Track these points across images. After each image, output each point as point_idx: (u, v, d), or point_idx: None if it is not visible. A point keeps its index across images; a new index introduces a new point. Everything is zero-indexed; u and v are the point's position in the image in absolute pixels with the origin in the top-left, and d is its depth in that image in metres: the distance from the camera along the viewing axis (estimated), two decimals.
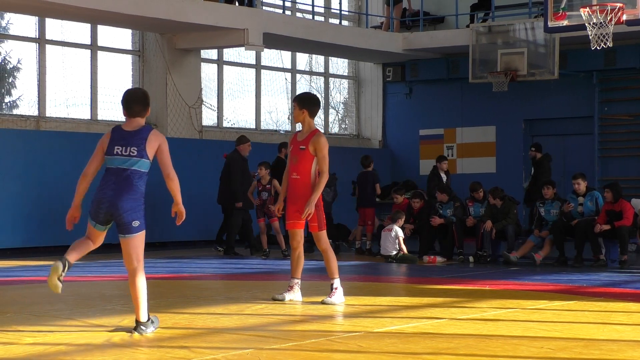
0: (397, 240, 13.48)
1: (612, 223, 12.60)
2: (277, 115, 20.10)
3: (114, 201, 6.40)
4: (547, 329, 6.86)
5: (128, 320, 7.11)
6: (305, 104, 8.30)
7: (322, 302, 8.05)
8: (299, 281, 8.31)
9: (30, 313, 7.52)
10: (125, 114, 6.55)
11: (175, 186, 6.46)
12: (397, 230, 13.53)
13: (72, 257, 6.51)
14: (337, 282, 8.23)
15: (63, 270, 6.39)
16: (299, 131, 8.41)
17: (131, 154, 6.44)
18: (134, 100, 6.52)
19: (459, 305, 8.21)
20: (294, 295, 8.24)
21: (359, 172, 15.53)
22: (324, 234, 8.20)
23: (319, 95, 21.00)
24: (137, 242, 6.41)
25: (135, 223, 6.37)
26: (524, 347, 6.04)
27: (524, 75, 17.55)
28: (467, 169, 19.63)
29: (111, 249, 15.53)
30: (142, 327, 6.36)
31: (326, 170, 8.15)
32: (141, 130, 6.49)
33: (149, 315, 6.43)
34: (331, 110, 21.42)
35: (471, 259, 13.48)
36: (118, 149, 6.46)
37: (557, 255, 12.98)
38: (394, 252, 13.47)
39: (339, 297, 8.17)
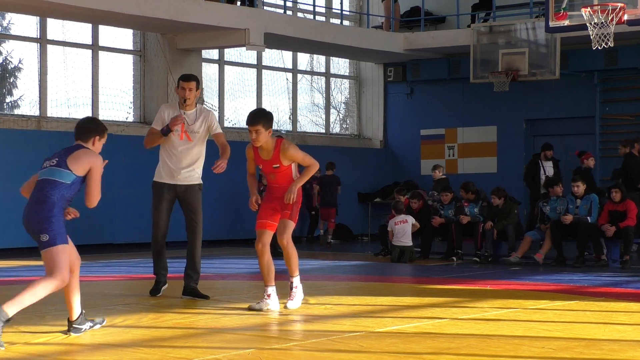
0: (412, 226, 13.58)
1: (616, 223, 12.60)
2: (278, 115, 20.10)
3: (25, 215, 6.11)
4: (548, 329, 6.86)
5: (130, 320, 7.12)
6: (267, 122, 7.39)
7: (285, 308, 7.61)
8: (275, 288, 7.76)
9: (32, 313, 7.51)
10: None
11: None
12: (412, 219, 13.62)
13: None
14: (297, 280, 7.79)
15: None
16: (257, 147, 7.52)
17: (50, 164, 6.18)
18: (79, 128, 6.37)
19: (460, 305, 8.21)
20: (273, 304, 7.66)
21: (321, 175, 17.45)
22: (292, 226, 7.63)
23: (320, 96, 21.04)
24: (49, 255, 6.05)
25: (44, 237, 6.03)
26: (525, 347, 6.04)
27: (525, 75, 17.55)
28: (468, 169, 19.62)
29: (112, 250, 15.55)
30: (74, 325, 6.30)
31: (313, 162, 7.56)
32: (73, 146, 6.27)
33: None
34: (332, 110, 21.42)
35: (455, 259, 13.48)
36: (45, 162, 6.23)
37: (556, 254, 12.98)
38: (410, 244, 13.52)
39: (299, 298, 7.76)
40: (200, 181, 8.64)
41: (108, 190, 15.75)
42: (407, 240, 13.57)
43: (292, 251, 7.70)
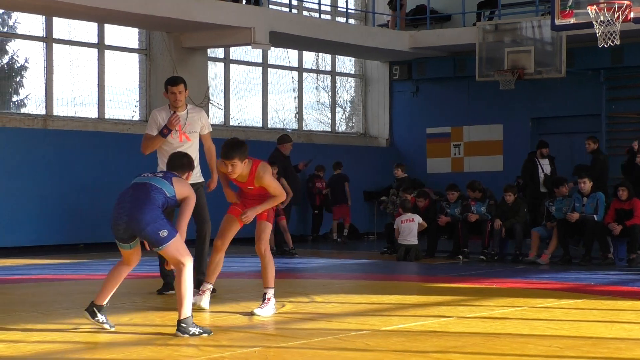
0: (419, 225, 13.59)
1: (623, 222, 12.58)
2: (284, 113, 20.11)
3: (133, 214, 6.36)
4: (554, 328, 6.85)
5: (137, 319, 7.14)
6: (242, 154, 7.09)
7: (252, 313, 7.33)
8: (212, 287, 7.69)
9: (39, 311, 7.53)
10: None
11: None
12: (419, 218, 13.62)
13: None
14: (271, 293, 7.47)
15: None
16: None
17: (157, 175, 6.56)
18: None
19: (466, 303, 8.20)
20: (203, 301, 7.57)
21: (331, 175, 17.93)
22: (270, 228, 7.50)
23: (326, 94, 21.04)
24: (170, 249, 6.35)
25: (164, 233, 6.31)
26: (531, 346, 6.04)
27: (531, 73, 17.52)
28: (474, 168, 19.61)
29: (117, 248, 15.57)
30: (182, 324, 6.28)
31: (281, 194, 7.36)
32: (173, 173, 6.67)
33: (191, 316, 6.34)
34: (338, 109, 21.42)
35: (461, 257, 13.48)
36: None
37: (562, 253, 12.96)
38: (416, 242, 13.52)
39: (270, 308, 7.39)
40: (202, 179, 8.74)
41: (113, 189, 15.84)
42: (412, 239, 13.56)
43: (269, 260, 7.50)
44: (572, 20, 13.50)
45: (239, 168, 7.11)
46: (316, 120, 20.95)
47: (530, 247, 13.26)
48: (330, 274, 10.95)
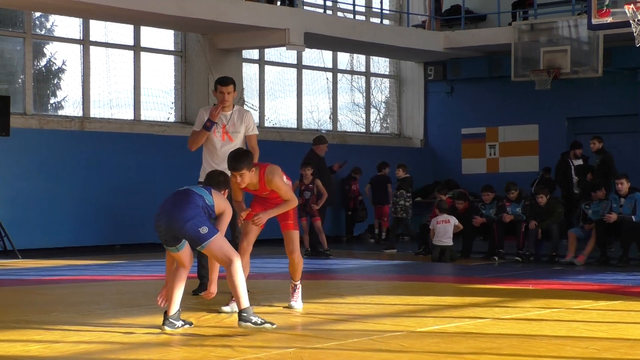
0: (454, 227, 13.55)
1: None
2: (319, 114, 20.13)
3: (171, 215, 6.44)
4: (592, 329, 6.80)
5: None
6: (249, 164, 7.11)
7: (289, 307, 7.68)
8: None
9: (76, 312, 7.60)
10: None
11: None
12: (455, 220, 13.58)
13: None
14: (299, 284, 7.85)
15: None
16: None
17: (199, 186, 6.75)
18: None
19: (502, 305, 8.16)
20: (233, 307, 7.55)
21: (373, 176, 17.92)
22: (298, 237, 7.72)
23: (360, 95, 21.03)
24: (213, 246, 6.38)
25: (204, 229, 6.34)
26: (568, 348, 5.99)
27: (567, 73, 17.40)
28: (510, 168, 19.50)
29: (153, 249, 15.67)
30: (243, 314, 6.31)
31: (292, 198, 7.44)
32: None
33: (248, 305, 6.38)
34: (372, 110, 21.40)
35: (496, 258, 13.41)
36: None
37: (599, 254, 12.85)
38: (451, 243, 13.48)
39: (300, 298, 7.79)
40: None
41: (149, 190, 16.01)
42: (447, 240, 13.51)
43: (299, 262, 7.76)
44: (609, 19, 13.38)
45: (248, 177, 7.16)
46: (351, 121, 20.94)
47: (565, 248, 13.17)
48: (365, 275, 10.94)
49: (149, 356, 5.71)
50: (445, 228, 13.54)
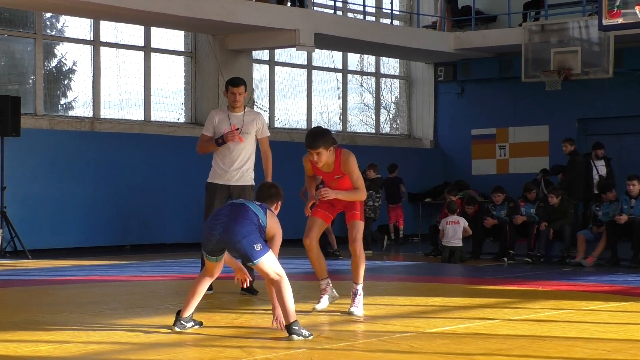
0: (463, 229, 13.54)
1: None
2: (329, 115, 20.13)
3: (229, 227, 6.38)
4: (602, 331, 6.78)
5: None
6: (326, 142, 7.12)
7: (349, 313, 7.42)
8: (329, 279, 7.68)
9: (86, 312, 7.62)
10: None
11: None
12: (465, 222, 13.56)
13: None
14: (360, 288, 7.56)
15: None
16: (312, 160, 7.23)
17: (255, 203, 6.63)
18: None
19: (511, 306, 8.14)
20: (331, 296, 7.68)
21: (385, 178, 17.70)
22: (362, 227, 7.50)
23: (370, 96, 21.02)
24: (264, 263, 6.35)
25: (258, 246, 6.30)
26: (578, 349, 5.98)
27: (578, 74, 17.35)
28: (520, 169, 19.46)
29: (164, 249, 15.68)
30: (294, 327, 6.26)
31: (362, 188, 7.37)
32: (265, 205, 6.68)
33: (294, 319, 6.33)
34: (382, 110, 21.39)
35: (506, 259, 13.38)
36: None
37: (609, 255, 12.82)
38: (460, 244, 13.46)
39: (361, 305, 7.51)
40: (252, 182, 8.83)
41: (159, 191, 16.04)
42: (457, 241, 13.50)
43: (362, 259, 7.53)
44: (620, 20, 13.34)
45: (325, 156, 7.15)
46: (360, 122, 20.94)
47: (577, 249, 13.14)
48: (374, 276, 10.92)
49: (158, 356, 5.71)
50: (454, 229, 13.52)
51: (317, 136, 7.13)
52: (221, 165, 8.77)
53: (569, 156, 15.81)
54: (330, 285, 7.76)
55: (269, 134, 8.98)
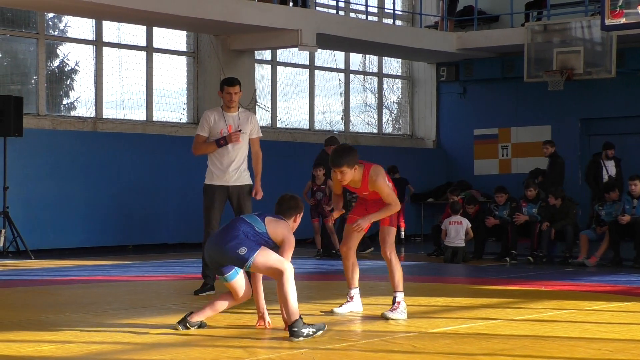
0: (465, 231, 13.53)
1: None
2: (331, 115, 20.12)
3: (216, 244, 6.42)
4: (604, 331, 6.78)
5: None
6: (351, 161, 7.02)
7: (384, 316, 7.26)
8: (358, 290, 7.66)
9: (88, 312, 7.62)
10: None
11: None
12: (468, 223, 13.55)
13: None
14: (400, 296, 7.38)
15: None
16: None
17: (255, 214, 6.61)
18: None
19: (514, 306, 8.14)
20: (354, 306, 7.61)
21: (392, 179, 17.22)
22: (394, 233, 7.47)
23: (372, 96, 21.02)
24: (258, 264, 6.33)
25: (242, 250, 6.29)
26: (581, 349, 5.97)
27: (581, 74, 17.35)
28: (522, 169, 19.44)
29: (166, 250, 15.69)
30: (294, 329, 6.22)
31: (395, 202, 7.29)
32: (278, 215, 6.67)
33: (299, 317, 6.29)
34: (385, 111, 21.39)
35: (508, 259, 13.37)
36: None
37: (611, 255, 12.81)
38: (463, 245, 13.46)
39: (401, 311, 7.29)
40: (250, 181, 8.83)
41: (161, 191, 16.04)
42: (459, 242, 13.49)
43: (395, 263, 7.42)
44: (623, 20, 13.34)
45: (349, 175, 7.07)
46: (363, 122, 20.94)
47: (580, 249, 13.13)
48: (376, 276, 10.92)
49: (161, 356, 5.71)
50: (457, 229, 13.52)
51: (342, 155, 7.06)
52: (219, 166, 8.74)
53: (549, 158, 15.88)
54: (358, 296, 7.65)
55: (261, 135, 8.98)
